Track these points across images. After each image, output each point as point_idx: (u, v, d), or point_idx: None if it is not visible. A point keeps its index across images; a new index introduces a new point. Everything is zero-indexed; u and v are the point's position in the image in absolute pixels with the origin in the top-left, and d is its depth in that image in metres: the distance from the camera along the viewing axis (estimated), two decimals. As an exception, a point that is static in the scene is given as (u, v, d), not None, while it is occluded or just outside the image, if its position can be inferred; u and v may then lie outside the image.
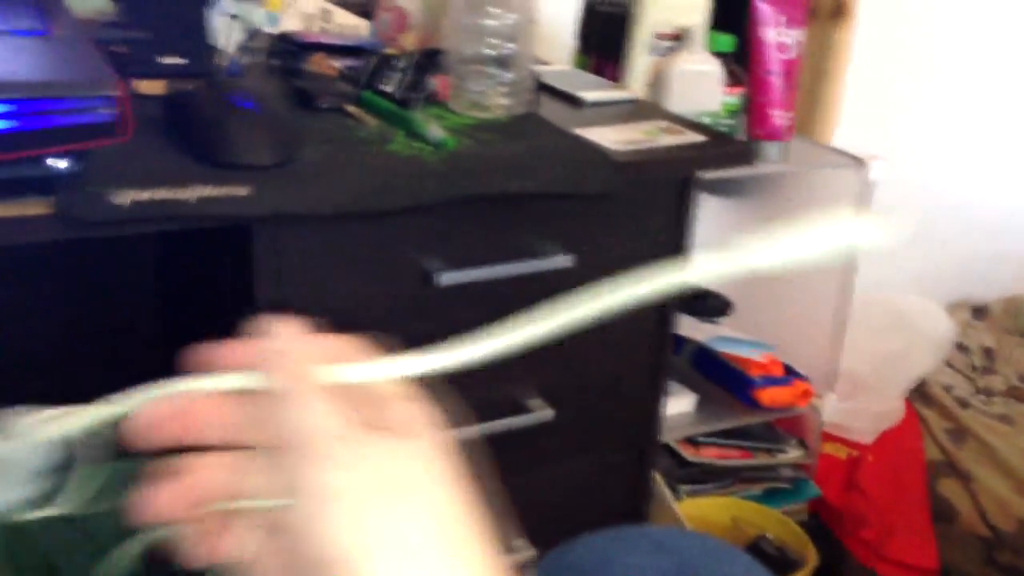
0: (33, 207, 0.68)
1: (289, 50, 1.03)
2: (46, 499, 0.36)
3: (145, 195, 0.70)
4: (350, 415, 0.33)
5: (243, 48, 1.00)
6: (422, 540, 0.30)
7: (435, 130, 0.85)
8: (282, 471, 0.32)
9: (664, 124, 0.97)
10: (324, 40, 1.04)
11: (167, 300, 1.26)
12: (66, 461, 0.36)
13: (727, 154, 0.97)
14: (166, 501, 0.34)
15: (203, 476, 0.34)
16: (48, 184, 0.67)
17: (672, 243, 0.97)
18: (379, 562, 0.30)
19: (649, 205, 0.95)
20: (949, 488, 1.64)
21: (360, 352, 0.36)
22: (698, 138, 0.94)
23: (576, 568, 0.49)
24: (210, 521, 0.34)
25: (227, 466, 0.34)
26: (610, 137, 0.91)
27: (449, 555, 0.31)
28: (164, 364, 0.37)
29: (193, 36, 0.87)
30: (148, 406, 0.35)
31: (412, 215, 0.80)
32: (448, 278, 0.85)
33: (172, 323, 1.25)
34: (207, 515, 0.35)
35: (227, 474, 0.34)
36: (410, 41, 1.07)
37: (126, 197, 0.69)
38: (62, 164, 0.66)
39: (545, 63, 1.14)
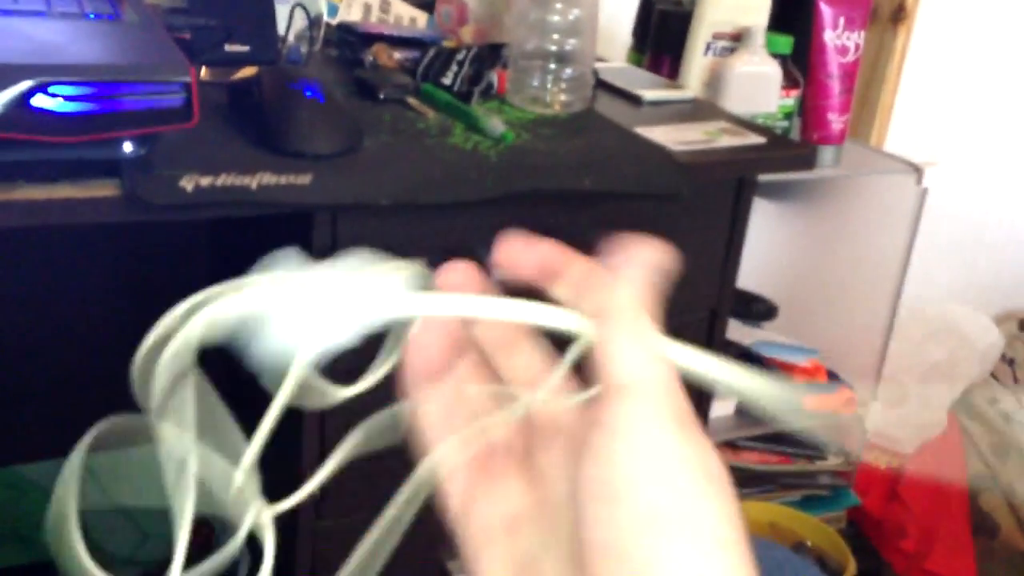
0: (100, 189, 0.69)
1: (349, 40, 1.03)
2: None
3: (209, 181, 0.70)
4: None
5: (304, 37, 1.00)
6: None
7: (495, 124, 0.85)
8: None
9: (724, 125, 0.96)
10: (384, 31, 1.04)
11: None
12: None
13: (788, 157, 0.95)
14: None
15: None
16: (115, 166, 0.68)
17: (725, 245, 0.96)
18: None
19: (704, 206, 0.94)
20: (991, 503, 1.62)
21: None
22: (758, 140, 0.93)
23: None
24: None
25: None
26: (670, 137, 0.90)
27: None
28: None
29: (259, 24, 0.88)
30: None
31: (469, 208, 0.80)
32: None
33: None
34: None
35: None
36: (468, 34, 1.06)
37: (190, 182, 0.70)
38: (130, 147, 0.66)
39: (602, 60, 1.13)
